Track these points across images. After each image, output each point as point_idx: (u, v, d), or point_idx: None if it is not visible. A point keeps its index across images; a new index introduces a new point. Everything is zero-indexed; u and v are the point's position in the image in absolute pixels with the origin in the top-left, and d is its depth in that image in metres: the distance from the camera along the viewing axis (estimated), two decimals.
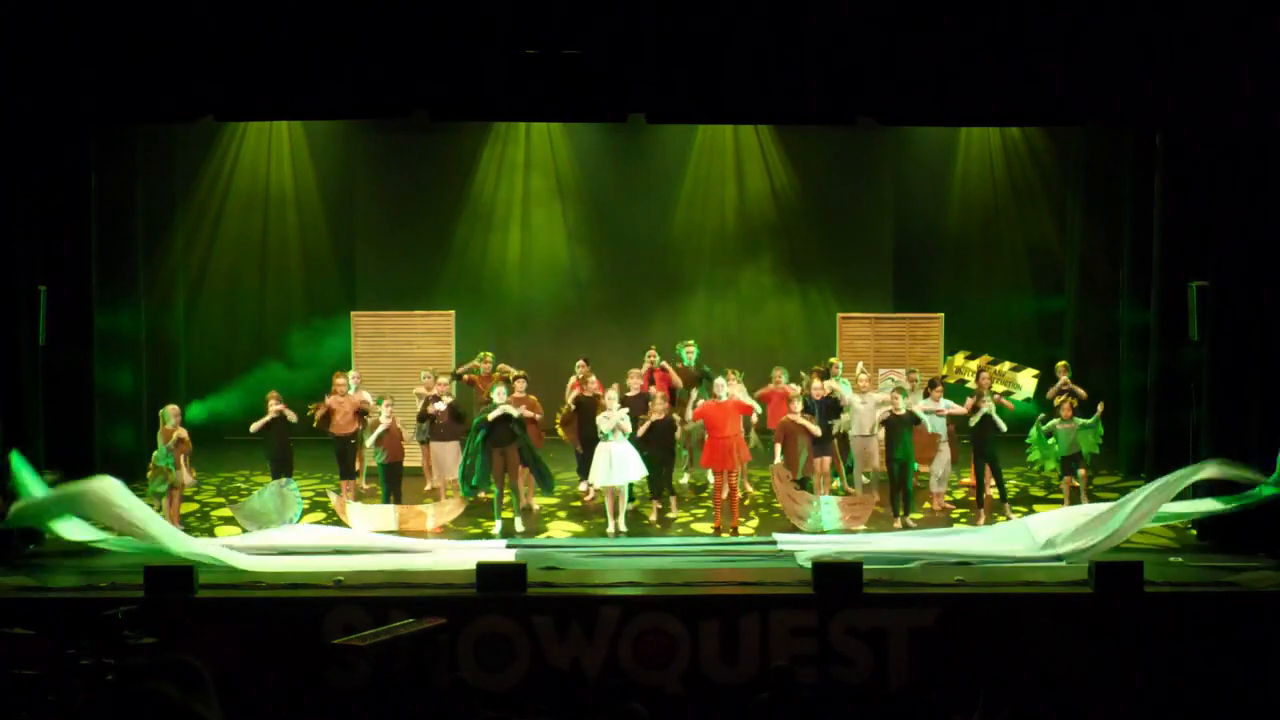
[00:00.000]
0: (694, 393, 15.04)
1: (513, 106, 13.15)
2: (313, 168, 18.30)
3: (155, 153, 16.14)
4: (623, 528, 13.25)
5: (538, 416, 14.05)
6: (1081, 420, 14.02)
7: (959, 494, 14.84)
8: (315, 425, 14.23)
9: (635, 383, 14.29)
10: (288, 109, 13.98)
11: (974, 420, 13.70)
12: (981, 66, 12.13)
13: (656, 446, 13.61)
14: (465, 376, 15.25)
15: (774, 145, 18.48)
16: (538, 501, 14.45)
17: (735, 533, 13.27)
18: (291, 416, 13.86)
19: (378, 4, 11.95)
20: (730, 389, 13.92)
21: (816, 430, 13.63)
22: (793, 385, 14.27)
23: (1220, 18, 11.93)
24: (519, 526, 13.46)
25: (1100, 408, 14.14)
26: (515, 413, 13.47)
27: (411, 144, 17.91)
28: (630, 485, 13.59)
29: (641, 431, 13.46)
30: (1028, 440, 14.32)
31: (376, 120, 16.20)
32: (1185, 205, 13.54)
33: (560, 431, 14.68)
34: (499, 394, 13.55)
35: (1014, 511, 13.70)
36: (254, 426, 13.91)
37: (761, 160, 18.59)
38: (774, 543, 12.77)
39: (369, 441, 14.05)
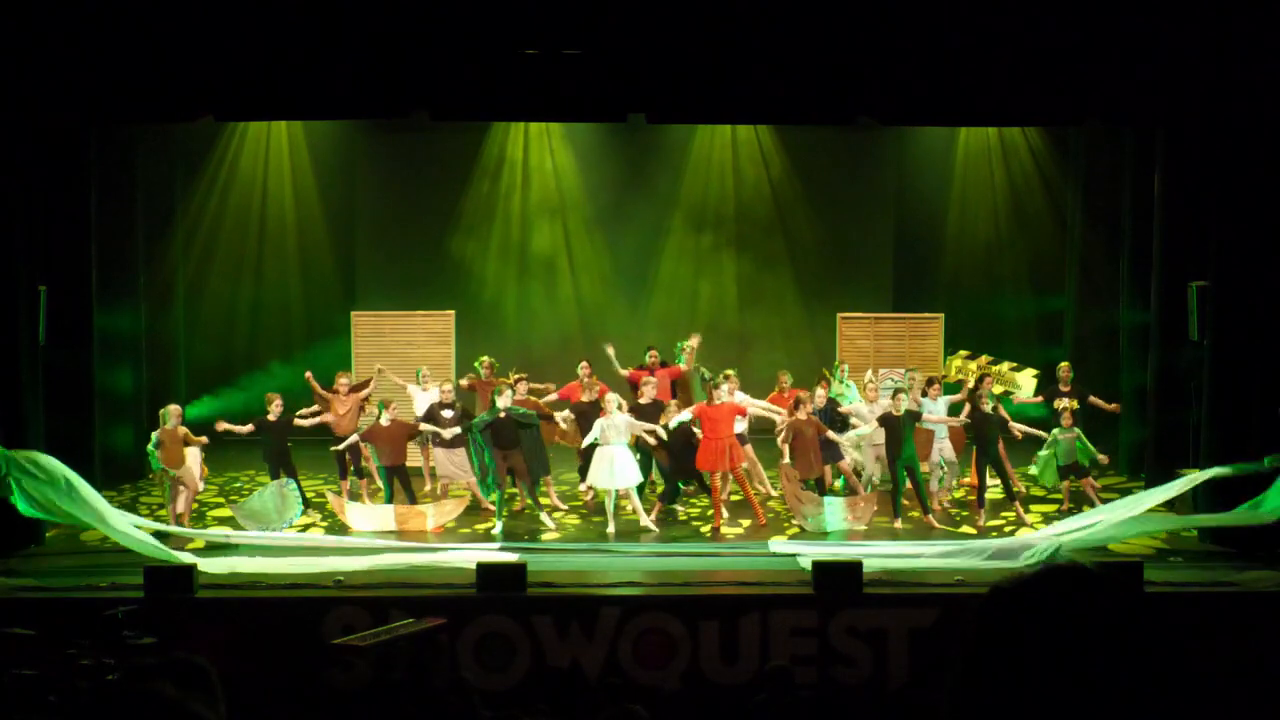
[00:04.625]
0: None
1: (513, 106, 13.15)
2: (313, 168, 18.30)
3: (155, 153, 16.14)
4: (612, 530, 13.25)
5: (553, 414, 14.10)
6: (1082, 436, 13.93)
7: (959, 493, 14.84)
8: (320, 419, 14.29)
9: (650, 390, 14.19)
10: (288, 109, 13.98)
11: (963, 416, 13.71)
12: (981, 66, 12.13)
13: (670, 449, 13.62)
14: (466, 382, 15.20)
15: (774, 145, 18.49)
16: (545, 501, 14.43)
17: (761, 522, 13.33)
18: (306, 423, 13.97)
19: (378, 4, 11.96)
20: (728, 391, 13.91)
21: (828, 431, 13.62)
22: (812, 391, 14.23)
23: (1220, 17, 11.94)
24: (547, 522, 13.49)
25: (1104, 459, 14.04)
26: (528, 411, 13.54)
27: (411, 144, 17.91)
28: (640, 487, 13.59)
29: (654, 438, 13.50)
30: (1034, 469, 14.30)
31: (376, 120, 16.21)
32: (1185, 205, 13.53)
33: (563, 441, 14.66)
34: (503, 400, 13.51)
35: (1026, 512, 13.67)
36: (246, 428, 13.94)
37: (761, 160, 18.59)
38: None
39: (353, 438, 13.99)
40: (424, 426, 14.06)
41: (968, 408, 13.83)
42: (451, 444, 14.04)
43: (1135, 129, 14.75)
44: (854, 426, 14.06)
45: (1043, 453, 14.09)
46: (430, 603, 10.36)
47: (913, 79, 12.23)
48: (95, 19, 11.76)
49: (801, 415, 13.57)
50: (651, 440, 13.39)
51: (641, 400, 14.00)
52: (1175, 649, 1.66)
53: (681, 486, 14.13)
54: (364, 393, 14.59)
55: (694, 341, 15.17)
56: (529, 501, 13.80)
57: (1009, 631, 1.66)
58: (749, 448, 14.26)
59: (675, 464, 13.73)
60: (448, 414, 14.06)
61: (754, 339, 18.08)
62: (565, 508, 14.24)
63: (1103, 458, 13.95)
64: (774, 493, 14.55)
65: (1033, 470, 14.35)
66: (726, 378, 14.11)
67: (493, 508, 13.65)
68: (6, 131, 12.22)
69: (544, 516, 13.52)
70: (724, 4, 12.03)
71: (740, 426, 13.72)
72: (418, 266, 18.10)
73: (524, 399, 14.15)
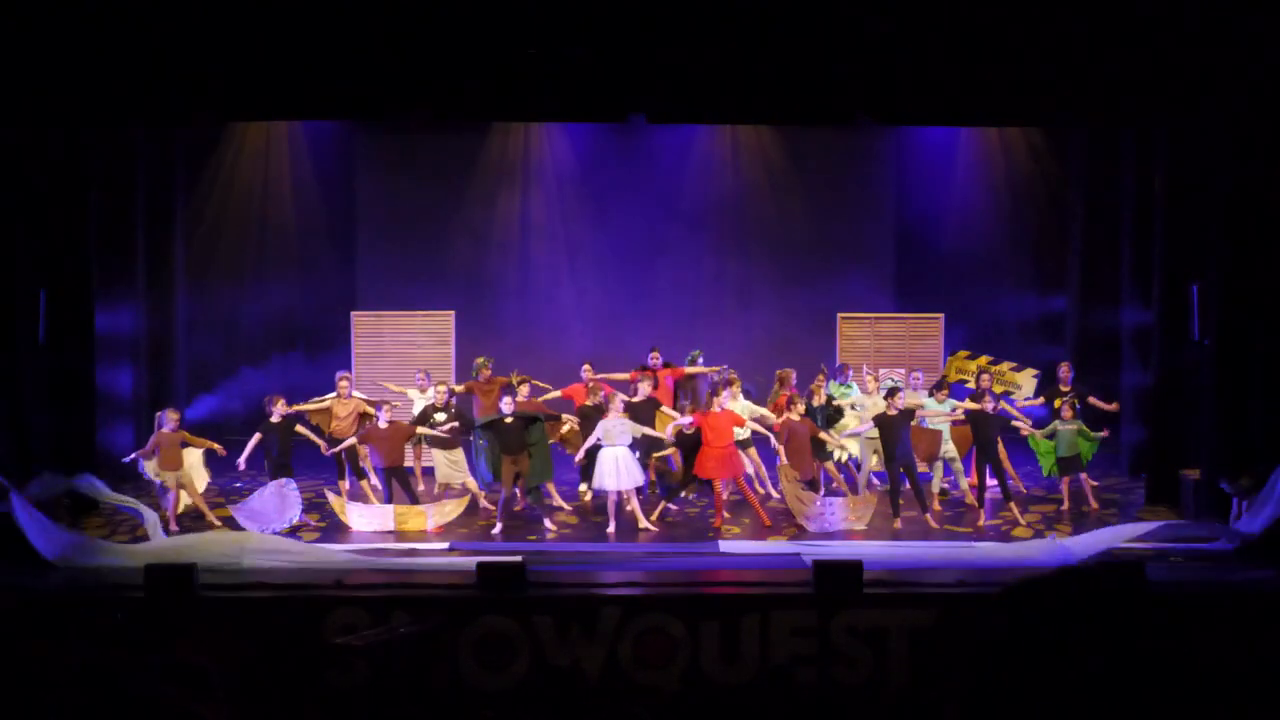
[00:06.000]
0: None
1: (513, 106, 13.16)
2: (313, 168, 18.30)
3: (155, 153, 16.14)
4: (613, 530, 13.24)
5: (560, 415, 14.11)
6: (1083, 427, 13.98)
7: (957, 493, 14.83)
8: (323, 430, 14.23)
9: (645, 387, 14.21)
10: (288, 109, 13.98)
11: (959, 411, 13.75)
12: (981, 66, 12.13)
13: (682, 449, 13.63)
14: (463, 385, 15.18)
15: (774, 145, 18.49)
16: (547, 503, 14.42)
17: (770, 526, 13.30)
18: (311, 435, 13.94)
19: (378, 4, 11.96)
20: (731, 398, 13.90)
21: (820, 433, 13.66)
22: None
23: (1219, 17, 11.93)
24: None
25: (1104, 433, 14.13)
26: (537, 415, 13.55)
27: (412, 144, 17.92)
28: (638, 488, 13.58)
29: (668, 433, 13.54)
30: (1040, 452, 14.37)
31: (376, 120, 16.20)
32: (1185, 205, 13.53)
33: (567, 447, 14.64)
34: (506, 404, 13.46)
35: (1022, 513, 13.67)
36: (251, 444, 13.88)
37: (761, 160, 18.60)
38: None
39: (350, 440, 13.95)
40: (420, 430, 14.04)
41: (968, 403, 13.85)
42: (448, 445, 14.04)
43: (1135, 129, 14.75)
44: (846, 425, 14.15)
45: (1044, 444, 14.12)
46: (430, 603, 10.35)
47: (913, 79, 12.23)
48: (96, 19, 11.76)
49: (795, 416, 13.59)
50: (662, 436, 13.45)
51: (635, 399, 14.01)
52: (1176, 649, 1.67)
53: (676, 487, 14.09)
54: (361, 405, 14.49)
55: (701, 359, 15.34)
56: (529, 501, 13.74)
57: (1020, 631, 1.67)
58: (752, 450, 14.34)
59: (688, 463, 13.69)
60: (441, 417, 14.06)
61: (754, 339, 18.08)
62: (569, 507, 14.21)
63: (1103, 433, 14.11)
64: (775, 494, 14.57)
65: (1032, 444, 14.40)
66: (729, 382, 14.13)
67: (493, 507, 13.65)
68: (6, 132, 12.22)
69: (546, 521, 13.41)
70: (724, 4, 12.03)
71: (743, 434, 13.76)
72: (418, 266, 18.11)
73: (527, 401, 14.14)
